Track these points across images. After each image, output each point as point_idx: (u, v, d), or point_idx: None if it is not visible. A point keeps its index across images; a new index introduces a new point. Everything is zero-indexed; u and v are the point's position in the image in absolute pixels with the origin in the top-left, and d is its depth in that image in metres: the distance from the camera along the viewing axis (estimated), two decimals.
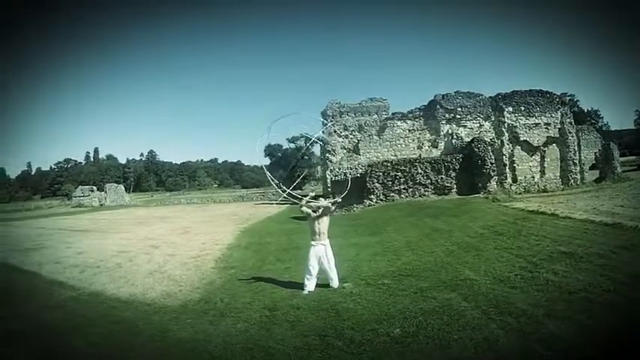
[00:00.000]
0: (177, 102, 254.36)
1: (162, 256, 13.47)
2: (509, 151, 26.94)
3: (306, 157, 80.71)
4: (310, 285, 8.07)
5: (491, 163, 22.57)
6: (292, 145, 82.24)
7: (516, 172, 26.78)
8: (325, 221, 8.38)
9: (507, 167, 26.33)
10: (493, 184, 22.44)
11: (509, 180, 26.03)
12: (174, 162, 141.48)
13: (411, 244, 12.23)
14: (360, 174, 24.80)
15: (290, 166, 79.46)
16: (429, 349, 4.99)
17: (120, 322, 7.43)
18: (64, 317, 8.05)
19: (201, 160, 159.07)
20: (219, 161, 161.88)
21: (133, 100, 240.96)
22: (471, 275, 7.95)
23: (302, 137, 79.87)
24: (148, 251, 14.49)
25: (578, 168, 27.81)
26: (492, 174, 22.54)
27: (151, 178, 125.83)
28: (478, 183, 22.39)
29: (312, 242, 8.25)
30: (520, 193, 23.01)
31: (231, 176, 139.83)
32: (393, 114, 28.23)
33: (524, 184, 26.21)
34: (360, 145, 28.31)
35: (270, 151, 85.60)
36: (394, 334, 5.55)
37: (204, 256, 12.95)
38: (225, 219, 25.42)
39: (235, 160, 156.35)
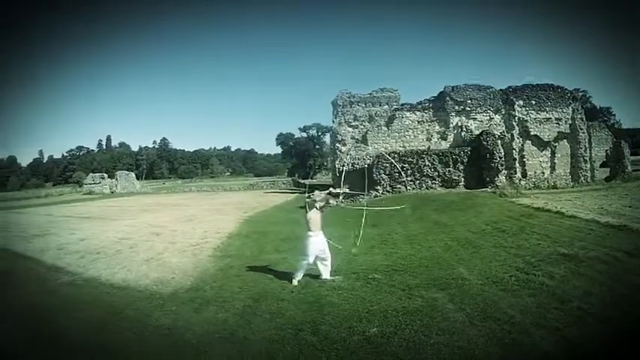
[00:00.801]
0: (190, 90, 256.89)
1: (162, 243, 13.42)
2: (520, 145, 26.12)
3: (317, 147, 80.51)
4: (300, 276, 7.87)
5: (500, 157, 21.90)
6: (304, 134, 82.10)
7: (526, 167, 26.01)
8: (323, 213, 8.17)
9: (517, 162, 25.49)
10: (501, 179, 21.83)
11: (519, 175, 25.24)
12: (187, 150, 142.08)
13: (411, 237, 11.89)
14: (368, 165, 24.46)
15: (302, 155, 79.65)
16: (402, 353, 4.73)
17: (106, 307, 7.46)
18: (55, 301, 8.12)
19: (214, 148, 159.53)
20: (232, 149, 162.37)
21: (147, 88, 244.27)
22: (464, 274, 7.62)
23: (314, 126, 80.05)
24: (149, 238, 14.46)
25: (588, 165, 27.01)
26: (500, 168, 21.89)
27: (163, 165, 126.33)
28: (486, 177, 21.80)
29: (311, 233, 7.88)
30: (529, 189, 22.38)
31: (244, 164, 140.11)
32: (401, 105, 27.59)
33: (533, 179, 25.49)
34: (368, 135, 27.81)
35: (282, 139, 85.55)
36: (370, 333, 5.32)
37: (203, 245, 12.85)
38: (232, 207, 25.35)
39: (248, 149, 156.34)
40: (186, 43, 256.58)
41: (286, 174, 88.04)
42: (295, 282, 7.77)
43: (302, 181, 55.09)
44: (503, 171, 22.26)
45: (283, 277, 8.41)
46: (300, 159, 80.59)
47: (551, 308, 5.61)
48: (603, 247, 8.37)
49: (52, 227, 18.83)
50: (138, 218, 21.04)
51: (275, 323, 5.96)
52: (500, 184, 21.10)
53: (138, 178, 64.41)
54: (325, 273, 7.95)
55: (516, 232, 10.70)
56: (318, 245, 7.86)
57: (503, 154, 22.79)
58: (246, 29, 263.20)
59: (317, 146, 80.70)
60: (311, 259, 7.84)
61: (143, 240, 14.15)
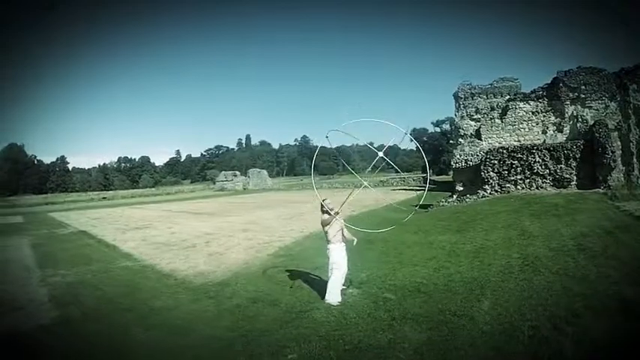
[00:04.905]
0: (334, 87, 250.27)
1: (240, 240, 13.48)
2: (637, 137, 19.74)
3: (451, 142, 74.66)
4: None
5: (612, 152, 16.81)
6: (437, 129, 77.22)
7: None
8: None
9: (635, 157, 19.42)
10: (618, 177, 16.70)
11: (637, 172, 19.21)
12: (328, 146, 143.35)
13: (482, 250, 9.49)
14: (481, 160, 21.38)
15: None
16: None
17: (130, 287, 8.18)
18: (101, 278, 9.06)
19: (357, 144, 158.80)
20: (375, 145, 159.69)
21: (290, 87, 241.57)
22: (481, 312, 5.49)
23: (447, 120, 74.52)
24: (232, 234, 14.69)
25: None
26: (613, 165, 16.79)
27: (304, 162, 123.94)
28: (598, 175, 17.04)
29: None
30: None
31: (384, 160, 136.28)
32: (514, 94, 23.39)
33: None
34: (481, 129, 24.29)
35: (415, 135, 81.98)
36: (286, 358, 4.53)
37: (274, 243, 12.45)
38: (345, 205, 24.42)
39: (391, 144, 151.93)
40: (334, 45, 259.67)
41: (420, 170, 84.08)
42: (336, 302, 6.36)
43: (432, 178, 51.58)
44: (620, 167, 17.02)
45: (307, 282, 7.75)
46: (434, 155, 75.99)
47: None
48: None
49: (155, 221, 20.48)
50: (244, 215, 21.72)
51: (235, 325, 5.72)
52: (612, 183, 16.17)
53: (279, 175, 66.61)
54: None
55: (596, 253, 7.69)
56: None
57: (619, 148, 17.42)
58: (394, 29, 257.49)
59: (450, 141, 74.94)
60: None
61: (226, 235, 14.42)
